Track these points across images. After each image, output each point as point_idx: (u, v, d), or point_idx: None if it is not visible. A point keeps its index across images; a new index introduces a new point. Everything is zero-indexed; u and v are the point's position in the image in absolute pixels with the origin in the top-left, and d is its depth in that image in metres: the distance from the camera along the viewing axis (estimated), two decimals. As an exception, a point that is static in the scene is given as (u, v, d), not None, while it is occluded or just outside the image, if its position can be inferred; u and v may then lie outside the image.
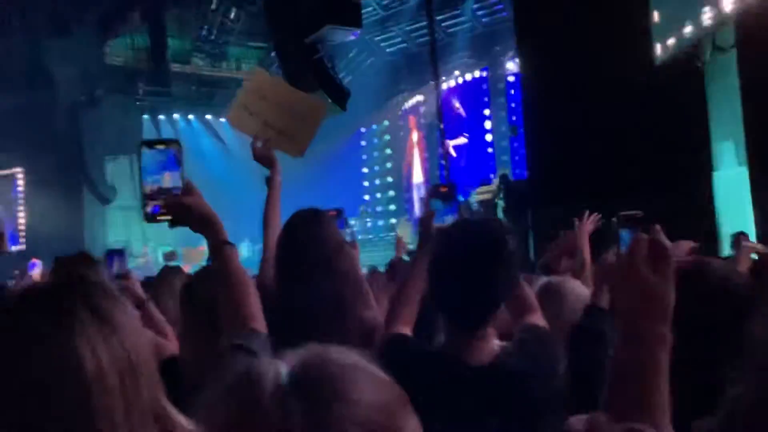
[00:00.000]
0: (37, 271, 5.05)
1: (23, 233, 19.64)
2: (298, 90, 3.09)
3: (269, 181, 2.55)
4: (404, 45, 18.77)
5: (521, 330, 1.79)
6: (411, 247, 16.77)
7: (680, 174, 7.31)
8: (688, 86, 7.60)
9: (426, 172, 21.12)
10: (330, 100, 11.98)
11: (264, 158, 2.57)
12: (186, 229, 1.43)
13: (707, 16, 7.06)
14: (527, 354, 1.69)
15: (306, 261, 2.11)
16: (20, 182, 19.61)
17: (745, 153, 7.22)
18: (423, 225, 2.07)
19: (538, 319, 1.85)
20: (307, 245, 2.14)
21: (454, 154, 19.06)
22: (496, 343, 1.70)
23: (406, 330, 1.86)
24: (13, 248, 19.65)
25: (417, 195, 21.70)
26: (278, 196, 2.55)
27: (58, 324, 0.92)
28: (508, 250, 1.67)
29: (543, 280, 2.41)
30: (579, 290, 2.34)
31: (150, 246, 20.31)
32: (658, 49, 7.93)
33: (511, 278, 1.71)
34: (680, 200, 7.09)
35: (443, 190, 2.15)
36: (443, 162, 15.68)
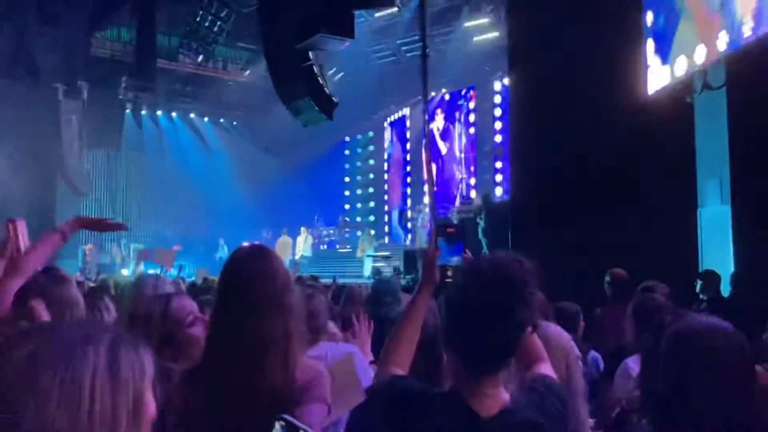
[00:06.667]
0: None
1: (-7, 220, 19.23)
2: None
3: None
4: (394, 58, 18.77)
5: (531, 380, 1.73)
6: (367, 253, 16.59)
7: (664, 208, 7.30)
8: (676, 121, 7.61)
9: (406, 185, 21.10)
10: (317, 108, 11.90)
11: None
12: (159, 229, 1.35)
13: (701, 53, 7.10)
14: (538, 405, 1.62)
15: (254, 296, 1.92)
16: (-6, 168, 19.23)
17: (730, 192, 7.25)
18: (427, 262, 1.97)
19: (547, 369, 1.79)
20: (255, 280, 1.94)
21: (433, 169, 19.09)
22: (504, 392, 1.61)
23: (401, 372, 1.77)
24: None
25: (396, 208, 21.66)
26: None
27: None
28: (529, 290, 1.58)
29: None
30: (561, 336, 2.26)
31: (122, 243, 19.99)
32: (650, 81, 7.96)
33: (532, 319, 1.62)
34: (663, 235, 7.08)
35: (450, 230, 2.05)
36: (425, 178, 15.66)
